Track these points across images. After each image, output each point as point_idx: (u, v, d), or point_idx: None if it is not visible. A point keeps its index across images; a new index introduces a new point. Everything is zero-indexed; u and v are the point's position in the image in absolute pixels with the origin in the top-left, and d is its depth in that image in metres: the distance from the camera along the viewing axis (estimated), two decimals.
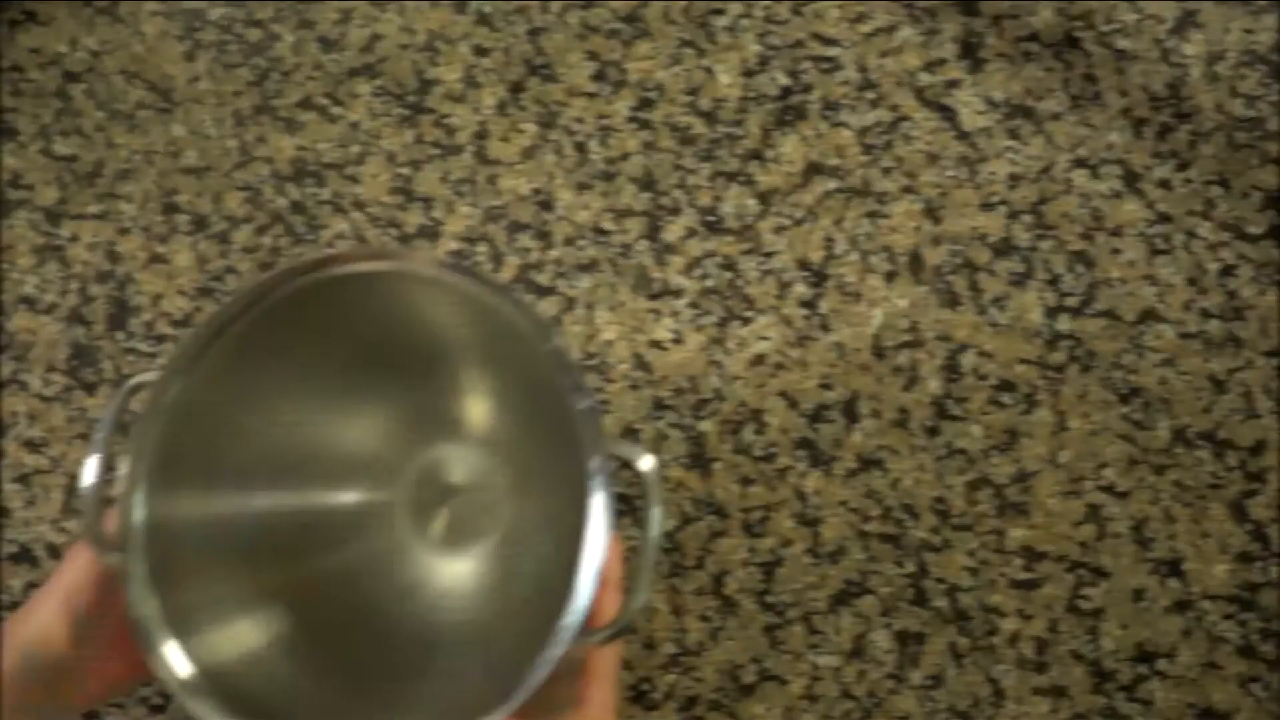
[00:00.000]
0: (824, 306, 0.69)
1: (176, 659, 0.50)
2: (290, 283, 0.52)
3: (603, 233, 0.70)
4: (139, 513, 0.51)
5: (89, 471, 0.50)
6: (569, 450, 0.49)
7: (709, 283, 0.69)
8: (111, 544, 0.50)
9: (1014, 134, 0.70)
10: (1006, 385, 0.68)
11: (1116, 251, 0.69)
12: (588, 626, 0.45)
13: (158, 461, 0.52)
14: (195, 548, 0.54)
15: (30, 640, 0.51)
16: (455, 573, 0.60)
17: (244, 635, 0.54)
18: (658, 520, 0.48)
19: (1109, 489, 0.68)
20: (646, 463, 0.49)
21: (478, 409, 0.60)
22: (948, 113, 0.70)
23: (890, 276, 0.69)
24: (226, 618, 0.54)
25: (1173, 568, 0.67)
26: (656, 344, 0.69)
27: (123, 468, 0.51)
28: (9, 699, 0.49)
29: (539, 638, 0.46)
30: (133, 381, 0.53)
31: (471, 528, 0.61)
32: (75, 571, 0.52)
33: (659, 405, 0.68)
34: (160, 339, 0.69)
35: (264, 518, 0.58)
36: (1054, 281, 0.69)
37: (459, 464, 0.61)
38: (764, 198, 0.70)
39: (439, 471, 0.61)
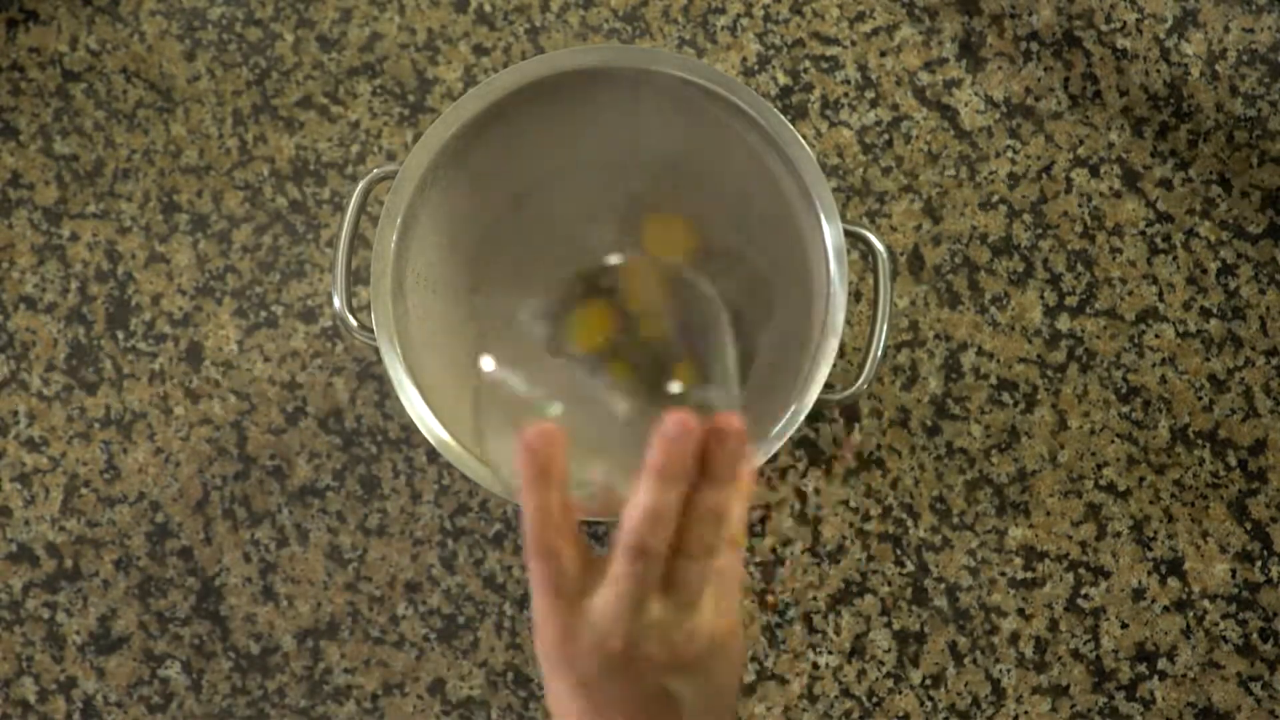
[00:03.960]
0: None
1: (436, 426, 0.53)
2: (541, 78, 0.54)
3: None
4: (387, 290, 0.54)
5: (339, 264, 0.53)
6: (796, 243, 0.54)
7: None
8: (364, 328, 0.53)
9: (1014, 133, 0.70)
10: (1006, 385, 0.68)
11: (1116, 251, 0.69)
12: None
13: (401, 240, 0.54)
14: (432, 331, 0.57)
15: None
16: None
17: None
18: (888, 292, 0.53)
19: (1109, 489, 0.68)
20: (874, 237, 0.54)
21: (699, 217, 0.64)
22: (948, 112, 0.70)
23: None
24: (464, 399, 0.58)
25: (1173, 568, 0.67)
26: None
27: (375, 247, 0.53)
28: None
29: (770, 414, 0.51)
30: (372, 174, 0.55)
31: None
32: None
33: None
34: (160, 338, 0.69)
35: (491, 313, 0.62)
36: (1054, 281, 0.69)
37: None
38: None
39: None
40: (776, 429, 0.52)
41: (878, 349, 0.53)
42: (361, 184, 0.55)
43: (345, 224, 0.54)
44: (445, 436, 0.52)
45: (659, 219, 0.63)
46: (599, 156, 0.61)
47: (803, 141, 0.52)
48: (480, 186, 0.59)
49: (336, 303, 0.54)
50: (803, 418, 0.51)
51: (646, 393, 0.64)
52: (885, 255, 0.54)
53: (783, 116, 0.53)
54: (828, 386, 0.52)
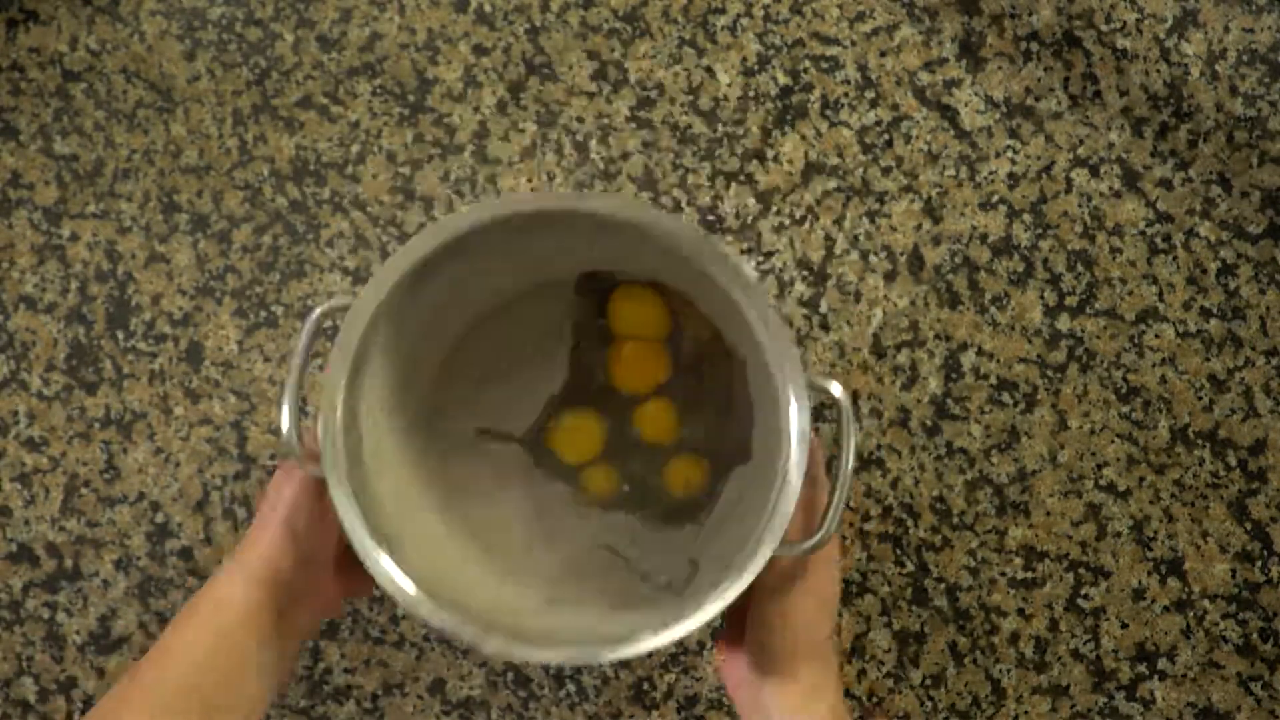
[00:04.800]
0: (824, 306, 0.69)
1: (387, 563, 0.51)
2: (480, 222, 0.53)
3: None
4: (338, 425, 0.52)
5: (288, 393, 0.52)
6: (759, 382, 0.53)
7: None
8: (313, 458, 0.52)
9: (1014, 133, 0.70)
10: (1006, 385, 0.68)
11: (1116, 251, 0.69)
12: (788, 538, 0.49)
13: (353, 375, 0.54)
14: (386, 459, 0.56)
15: (260, 566, 0.52)
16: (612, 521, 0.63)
17: (434, 542, 0.57)
18: (852, 445, 0.51)
19: (1109, 489, 0.68)
20: (837, 390, 0.51)
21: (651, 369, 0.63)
22: (948, 112, 0.70)
23: (890, 276, 0.69)
24: (418, 523, 0.56)
25: (1173, 568, 0.67)
26: None
27: (325, 384, 0.52)
28: (247, 629, 0.51)
29: (736, 551, 0.50)
30: (323, 308, 0.54)
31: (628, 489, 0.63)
32: (290, 493, 0.54)
33: None
34: (160, 338, 0.69)
35: (442, 439, 0.61)
36: (1054, 281, 0.69)
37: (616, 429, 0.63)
38: (764, 197, 0.70)
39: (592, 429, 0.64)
40: (725, 586, 0.50)
41: (840, 501, 0.51)
42: (312, 317, 0.53)
43: (296, 356, 0.52)
44: (411, 591, 0.51)
45: (626, 294, 0.62)
46: (561, 277, 0.60)
47: (772, 303, 0.50)
48: (436, 316, 0.57)
49: (285, 427, 0.52)
50: (754, 575, 0.49)
51: (633, 496, 0.62)
52: (849, 409, 0.52)
53: (752, 278, 0.50)
54: (787, 541, 0.50)
